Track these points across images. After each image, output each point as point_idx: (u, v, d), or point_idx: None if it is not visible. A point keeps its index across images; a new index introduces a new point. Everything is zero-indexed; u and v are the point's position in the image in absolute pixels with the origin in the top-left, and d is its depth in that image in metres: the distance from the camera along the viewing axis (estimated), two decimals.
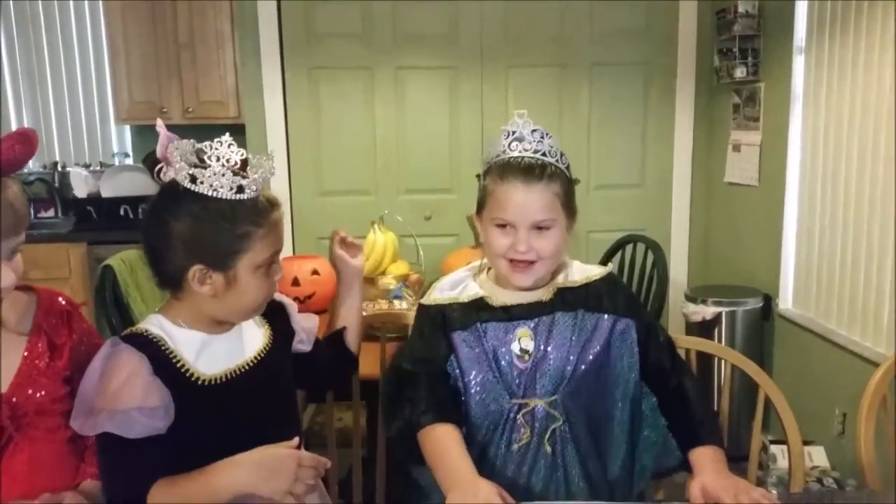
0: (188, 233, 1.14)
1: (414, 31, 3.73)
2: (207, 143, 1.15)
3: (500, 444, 1.32)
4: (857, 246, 2.66)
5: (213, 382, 1.18)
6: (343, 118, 3.77)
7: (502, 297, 1.37)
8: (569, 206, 1.33)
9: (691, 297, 3.24)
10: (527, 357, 1.32)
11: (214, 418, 1.18)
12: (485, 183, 1.35)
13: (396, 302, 2.49)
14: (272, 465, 1.11)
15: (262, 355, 1.27)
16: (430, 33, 3.74)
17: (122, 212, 3.70)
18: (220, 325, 1.24)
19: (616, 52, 3.78)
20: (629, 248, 3.21)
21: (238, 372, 1.22)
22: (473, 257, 2.46)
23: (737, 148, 3.55)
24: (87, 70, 4.16)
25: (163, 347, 1.16)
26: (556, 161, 1.32)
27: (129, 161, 4.13)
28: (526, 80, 3.79)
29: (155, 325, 1.20)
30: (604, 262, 2.85)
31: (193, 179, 1.12)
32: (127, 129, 4.17)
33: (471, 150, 3.84)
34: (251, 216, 1.16)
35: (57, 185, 4.08)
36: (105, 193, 3.77)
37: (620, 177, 3.86)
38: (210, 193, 1.13)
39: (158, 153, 1.19)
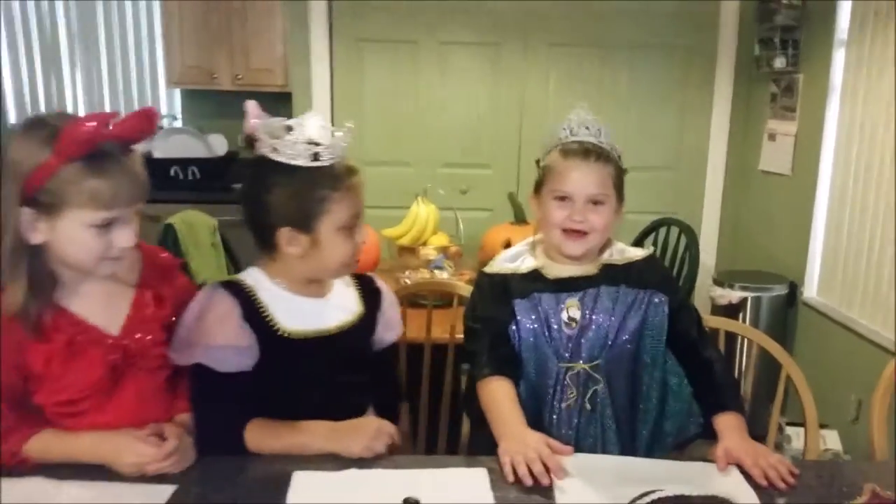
0: (275, 199, 1.28)
1: (459, 6, 3.80)
2: (295, 119, 1.28)
3: (553, 403, 1.47)
4: (885, 240, 2.74)
5: (292, 337, 1.32)
6: (387, 90, 3.88)
7: (555, 270, 1.51)
8: (619, 189, 1.49)
9: (719, 281, 3.34)
10: (573, 325, 1.47)
11: (290, 370, 1.33)
12: (546, 163, 1.51)
13: (437, 272, 2.62)
14: (356, 426, 1.29)
15: (347, 328, 1.40)
16: (474, 9, 3.81)
17: (172, 172, 3.85)
18: (311, 286, 1.38)
19: (658, 35, 3.83)
20: (662, 230, 3.31)
21: (319, 335, 1.35)
22: (513, 232, 2.59)
23: (772, 137, 3.61)
24: (139, 33, 4.29)
25: (252, 297, 1.31)
26: (611, 150, 1.48)
27: (178, 123, 4.27)
28: (567, 58, 3.86)
29: (250, 276, 1.36)
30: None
31: (275, 150, 1.26)
32: (177, 93, 4.30)
33: (509, 126, 3.94)
34: (328, 181, 1.28)
35: None
36: (156, 154, 3.92)
37: (655, 159, 3.93)
38: (289, 162, 1.26)
39: (245, 129, 1.31)
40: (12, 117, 4.36)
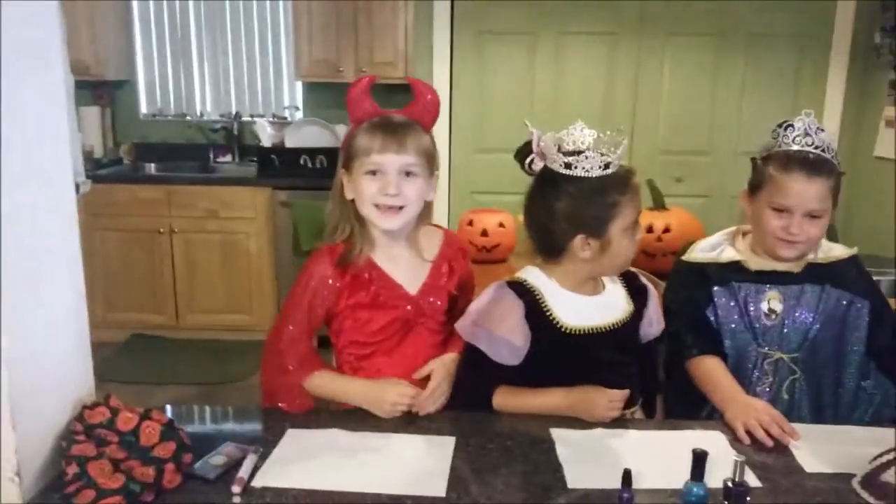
0: (569, 209, 1.39)
1: None
2: (564, 132, 1.40)
3: (748, 387, 1.57)
4: None
5: (573, 332, 1.43)
6: (504, 80, 4.04)
7: (757, 263, 1.61)
8: (836, 198, 1.53)
9: None
10: (774, 316, 1.58)
11: (568, 362, 1.45)
12: (766, 170, 1.55)
13: None
14: (588, 398, 1.41)
15: (620, 325, 1.48)
16: None
17: (301, 161, 4.07)
18: (586, 284, 1.48)
19: (773, 23, 3.89)
20: None
21: (597, 331, 1.45)
22: (654, 217, 2.72)
23: (890, 123, 3.65)
24: (264, 29, 4.51)
25: (537, 297, 1.44)
26: (833, 157, 1.51)
27: (300, 115, 4.49)
28: (683, 47, 3.96)
29: (533, 276, 1.48)
30: None
31: (568, 166, 1.37)
32: (298, 85, 4.52)
33: (624, 115, 4.06)
34: (617, 187, 1.38)
35: (235, 133, 4.49)
36: (288, 144, 4.15)
37: None
38: (584, 175, 1.36)
39: (535, 150, 1.42)
40: (143, 107, 4.64)
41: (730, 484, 1.13)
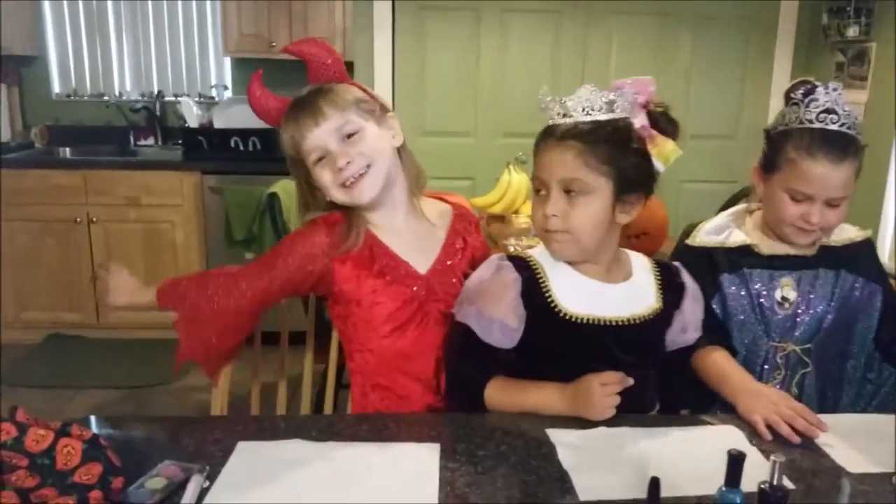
0: None
1: None
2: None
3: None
4: None
5: (573, 320, 1.26)
6: (448, 59, 3.83)
7: (769, 246, 1.46)
8: (857, 176, 1.38)
9: None
10: (787, 305, 1.44)
11: (563, 351, 1.28)
12: (784, 148, 1.38)
13: (537, 240, 2.62)
14: (581, 392, 1.22)
15: (639, 321, 1.29)
16: None
17: (232, 143, 3.79)
18: (598, 269, 1.29)
19: (720, 5, 3.82)
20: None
21: (604, 322, 1.27)
22: None
23: None
24: (188, 2, 4.19)
25: (537, 274, 1.27)
26: (857, 134, 1.35)
27: (228, 93, 4.19)
28: (630, 27, 3.84)
29: (540, 252, 1.32)
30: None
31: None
32: (227, 62, 4.22)
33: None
34: (541, 136, 1.36)
35: (158, 113, 4.17)
36: (217, 125, 3.85)
37: (715, 128, 3.95)
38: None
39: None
40: (56, 87, 4.26)
41: (767, 488, 0.99)
